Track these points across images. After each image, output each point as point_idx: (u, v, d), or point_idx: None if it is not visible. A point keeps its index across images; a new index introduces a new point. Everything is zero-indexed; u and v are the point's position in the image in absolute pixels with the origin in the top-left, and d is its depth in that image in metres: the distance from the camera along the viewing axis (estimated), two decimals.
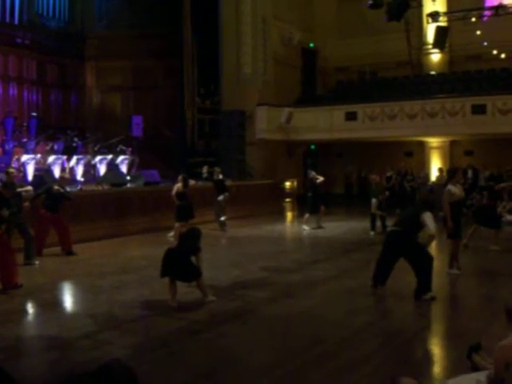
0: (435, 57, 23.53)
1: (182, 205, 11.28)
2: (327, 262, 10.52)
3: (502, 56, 22.07)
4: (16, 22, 19.14)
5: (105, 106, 22.13)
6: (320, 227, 14.81)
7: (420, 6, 21.99)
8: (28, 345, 5.99)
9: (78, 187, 14.12)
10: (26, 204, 10.14)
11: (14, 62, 19.38)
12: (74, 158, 15.58)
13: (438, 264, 8.57)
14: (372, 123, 20.81)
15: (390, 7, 18.95)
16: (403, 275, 7.87)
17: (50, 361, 5.36)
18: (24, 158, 14.33)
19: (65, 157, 15.26)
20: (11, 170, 10.25)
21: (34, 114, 18.29)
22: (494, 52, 22.09)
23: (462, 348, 5.02)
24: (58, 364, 5.21)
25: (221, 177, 14.86)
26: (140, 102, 21.55)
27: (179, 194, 12.08)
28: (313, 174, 15.08)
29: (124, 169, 17.01)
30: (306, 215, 14.89)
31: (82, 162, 15.78)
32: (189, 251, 7.16)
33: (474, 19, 21.10)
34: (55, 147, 16.04)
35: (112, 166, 16.52)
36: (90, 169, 16.08)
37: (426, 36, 23.22)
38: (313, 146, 24.72)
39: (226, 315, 6.85)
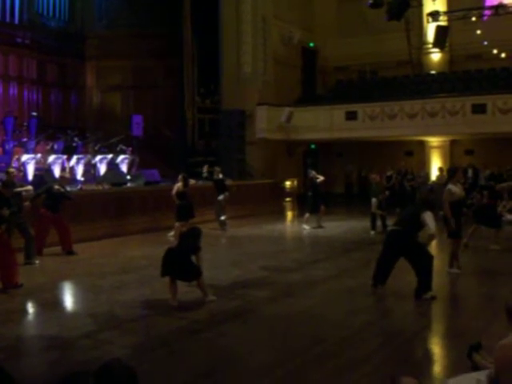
0: (435, 56, 23.52)
1: (182, 204, 11.29)
2: (327, 261, 10.52)
3: (502, 55, 22.07)
4: (16, 21, 19.13)
5: (105, 105, 22.13)
6: (320, 227, 14.81)
7: (420, 5, 22.01)
8: (28, 344, 5.99)
9: (79, 187, 14.12)
10: (27, 203, 10.14)
11: (14, 62, 19.37)
12: (74, 158, 15.58)
13: (439, 263, 8.57)
14: (372, 123, 20.81)
15: (390, 6, 18.97)
16: (403, 274, 7.87)
17: (51, 360, 5.36)
18: (24, 157, 14.33)
19: (65, 156, 15.25)
20: (11, 169, 10.25)
21: (35, 113, 18.28)
22: (494, 51, 22.10)
23: (463, 347, 5.02)
24: (58, 364, 5.22)
25: (221, 176, 14.86)
26: (140, 101, 21.54)
27: (179, 194, 12.09)
28: (313, 173, 15.08)
29: (124, 168, 17.01)
30: (307, 215, 14.89)
31: (83, 161, 15.77)
32: (189, 251, 7.16)
33: (474, 18, 21.12)
34: (55, 147, 16.04)
35: (112, 166, 16.52)
36: (90, 168, 16.08)
37: (426, 35, 23.22)
38: (313, 146, 24.72)
39: (227, 315, 6.85)
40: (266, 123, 21.37)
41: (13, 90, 19.31)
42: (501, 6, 20.34)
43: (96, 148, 17.21)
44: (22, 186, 10.41)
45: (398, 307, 7.42)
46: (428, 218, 7.33)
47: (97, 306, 7.20)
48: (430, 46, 22.34)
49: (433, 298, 7.38)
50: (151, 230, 13.82)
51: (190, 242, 7.19)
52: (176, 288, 7.12)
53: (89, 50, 21.76)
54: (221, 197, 14.53)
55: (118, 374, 2.31)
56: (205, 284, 7.30)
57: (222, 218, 14.54)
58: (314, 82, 25.82)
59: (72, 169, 15.40)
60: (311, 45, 25.31)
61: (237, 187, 16.73)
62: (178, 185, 12.34)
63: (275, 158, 21.96)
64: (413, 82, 22.71)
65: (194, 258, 7.23)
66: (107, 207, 13.44)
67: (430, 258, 7.52)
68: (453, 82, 22.14)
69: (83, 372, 2.31)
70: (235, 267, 9.69)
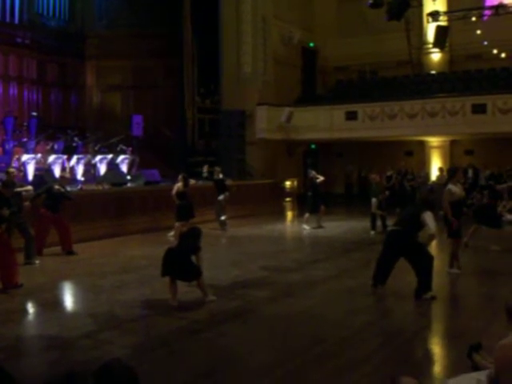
0: (435, 56, 23.52)
1: (182, 204, 11.27)
2: (327, 261, 10.52)
3: (503, 55, 22.08)
4: (16, 21, 19.13)
5: (105, 105, 22.13)
6: (320, 227, 14.81)
7: (420, 5, 22.01)
8: (28, 344, 5.99)
9: (79, 187, 14.12)
10: (27, 203, 10.14)
11: (14, 62, 19.37)
12: (75, 158, 15.58)
13: (439, 263, 8.57)
14: (372, 123, 20.81)
15: (390, 6, 18.96)
16: (403, 275, 7.87)
17: (51, 360, 5.36)
18: (24, 157, 14.33)
19: (65, 156, 15.26)
20: (11, 169, 10.26)
21: (35, 113, 18.28)
22: (495, 51, 22.10)
23: (463, 347, 5.02)
24: (58, 364, 5.21)
25: (221, 176, 14.87)
26: (140, 101, 21.55)
27: (179, 194, 12.08)
28: (313, 173, 15.08)
29: (124, 168, 17.01)
30: (306, 215, 14.89)
31: (83, 161, 15.78)
32: (189, 250, 7.16)
33: (474, 18, 21.12)
34: (55, 147, 16.04)
35: (112, 166, 16.52)
36: (90, 168, 16.08)
37: (426, 35, 23.22)
38: (313, 146, 24.72)
39: (226, 315, 6.85)
40: (265, 123, 21.38)
41: (13, 90, 19.31)
42: (501, 5, 20.34)
43: (96, 148, 17.21)
44: (22, 185, 10.41)
45: (398, 307, 7.42)
46: (428, 218, 7.33)
47: (97, 306, 7.20)
48: (430, 45, 22.34)
49: (433, 298, 7.38)
50: (151, 230, 13.83)
51: (190, 241, 7.19)
52: (176, 288, 7.12)
53: (89, 50, 21.76)
54: (221, 197, 14.53)
55: (118, 374, 2.32)
56: (205, 284, 7.30)
57: (222, 217, 14.55)
58: (313, 81, 25.83)
59: (72, 169, 15.40)
60: (311, 45, 25.31)
61: (237, 187, 16.73)
62: (178, 185, 12.34)
63: (275, 158, 21.96)
64: (413, 82, 22.71)
65: (194, 257, 7.23)
66: (107, 207, 13.44)
67: (430, 258, 7.52)
68: (453, 82, 22.14)
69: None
70: (235, 267, 9.69)
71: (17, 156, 14.49)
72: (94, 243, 12.18)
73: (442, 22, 21.40)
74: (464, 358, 4.80)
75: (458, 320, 6.88)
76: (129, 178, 16.26)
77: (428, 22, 22.05)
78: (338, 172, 24.53)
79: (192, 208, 10.35)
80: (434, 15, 21.48)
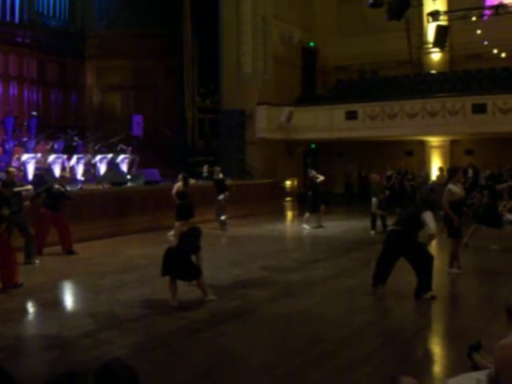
0: (435, 56, 23.53)
1: (182, 204, 11.30)
2: (327, 261, 10.52)
3: (503, 55, 22.07)
4: (16, 20, 19.12)
5: (105, 105, 22.13)
6: (320, 226, 14.81)
7: (420, 5, 21.99)
8: (28, 344, 5.99)
9: (79, 186, 14.12)
10: (27, 203, 10.14)
11: (14, 61, 19.36)
12: (75, 157, 15.58)
13: (439, 263, 8.57)
14: (372, 122, 20.81)
15: (390, 6, 18.94)
16: (403, 274, 7.87)
17: (51, 360, 5.37)
18: (24, 157, 14.33)
19: (65, 156, 15.25)
20: (11, 169, 10.26)
21: (35, 113, 18.27)
22: (495, 51, 22.10)
23: (463, 347, 5.02)
24: (58, 363, 5.21)
25: (221, 176, 14.87)
26: (140, 101, 21.54)
27: (179, 193, 12.08)
28: (313, 173, 15.07)
29: (124, 168, 17.01)
30: (307, 214, 14.89)
31: (83, 161, 15.77)
32: (189, 250, 7.16)
33: (474, 18, 21.11)
34: (55, 146, 16.04)
35: (112, 165, 16.51)
36: (90, 168, 16.08)
37: (426, 35, 23.22)
38: (313, 145, 24.72)
39: (227, 314, 6.85)
40: (266, 123, 21.38)
41: (13, 90, 19.31)
42: (501, 5, 20.33)
43: (96, 148, 17.20)
44: (22, 185, 10.41)
45: (398, 307, 7.42)
46: (428, 217, 7.33)
47: (97, 306, 7.20)
48: (431, 45, 22.33)
49: (433, 297, 7.38)
50: (151, 230, 13.83)
51: (190, 241, 7.20)
52: (176, 287, 7.12)
53: (89, 50, 21.75)
54: (221, 196, 14.53)
55: (118, 374, 2.32)
56: (205, 284, 7.30)
57: (222, 217, 14.54)
58: (314, 81, 25.82)
59: (72, 168, 15.40)
60: (311, 44, 25.30)
61: (237, 187, 16.73)
62: (178, 184, 12.33)
63: (275, 158, 21.96)
64: (413, 82, 22.71)
65: (194, 257, 7.23)
66: (107, 207, 13.44)
67: (430, 257, 7.52)
68: (453, 81, 22.14)
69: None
70: (235, 267, 9.69)
71: (17, 155, 14.48)
72: (94, 243, 12.18)
73: (442, 21, 21.39)
74: (464, 357, 4.80)
75: (458, 320, 6.88)
76: (129, 177, 16.25)
77: (428, 21, 22.04)
78: (338, 172, 24.53)
79: (192, 208, 10.39)
80: (434, 15, 21.47)
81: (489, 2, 21.51)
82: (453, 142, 22.51)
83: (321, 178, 14.99)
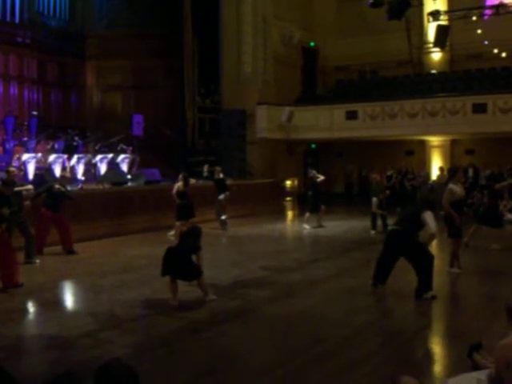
0: (436, 56, 23.52)
1: (182, 204, 11.30)
2: (328, 260, 10.52)
3: (503, 55, 22.07)
4: (17, 20, 19.11)
5: (105, 105, 22.13)
6: (320, 226, 14.81)
7: (421, 4, 21.99)
8: (28, 344, 5.99)
9: (79, 186, 14.12)
10: (27, 203, 10.13)
11: (14, 61, 19.36)
12: (75, 157, 15.58)
13: (439, 263, 8.57)
14: (372, 122, 20.81)
15: (390, 6, 18.94)
16: (404, 274, 7.87)
17: (51, 360, 5.36)
18: (25, 156, 14.33)
19: (65, 156, 15.25)
20: (12, 168, 10.25)
21: (35, 112, 18.26)
22: (495, 51, 22.09)
23: (463, 347, 5.01)
24: (58, 363, 5.21)
25: (221, 176, 14.86)
26: (140, 101, 21.53)
27: (180, 193, 12.08)
28: (313, 172, 15.07)
29: (125, 168, 17.01)
30: (307, 214, 14.89)
31: (83, 160, 15.77)
32: (189, 250, 7.16)
33: (474, 18, 21.10)
34: (56, 146, 16.04)
35: (113, 165, 16.51)
36: (90, 168, 16.08)
37: (426, 35, 23.21)
38: (313, 145, 24.72)
39: (227, 314, 6.85)
40: (266, 123, 21.38)
41: (13, 90, 19.31)
42: (501, 5, 20.33)
43: (96, 147, 17.20)
44: (22, 185, 10.41)
45: (398, 307, 7.42)
46: (428, 217, 7.33)
47: (97, 306, 7.20)
48: (431, 45, 22.32)
49: (433, 297, 7.38)
50: (152, 230, 13.83)
51: (191, 241, 7.19)
52: (176, 287, 7.12)
53: (89, 50, 21.75)
54: (221, 196, 14.53)
55: (118, 374, 2.31)
56: (205, 283, 7.30)
57: (223, 217, 14.55)
58: (314, 81, 25.82)
59: (72, 168, 15.39)
60: (311, 44, 25.29)
61: (237, 187, 16.73)
62: (179, 184, 12.33)
63: (275, 158, 21.96)
64: (413, 82, 22.70)
65: (194, 257, 7.23)
66: (108, 206, 13.44)
67: (430, 257, 7.52)
68: (453, 81, 22.14)
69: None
70: (235, 267, 9.69)
71: (17, 155, 14.48)
72: (95, 243, 12.18)
73: (443, 21, 21.39)
74: (464, 357, 4.80)
75: (459, 319, 6.88)
76: (129, 177, 16.25)
77: (428, 21, 22.04)
78: (339, 171, 24.53)
79: (192, 207, 10.38)
80: (435, 15, 21.47)
81: (489, 1, 21.51)
82: (453, 142, 22.51)
83: (321, 177, 14.99)
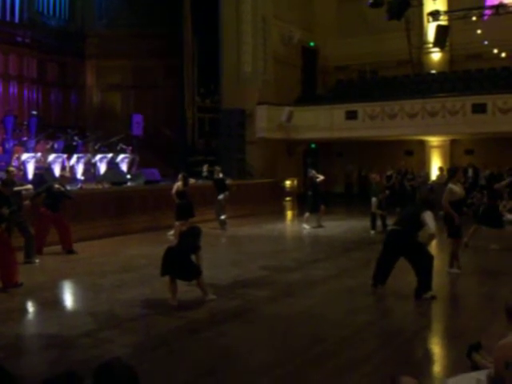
0: (436, 56, 23.52)
1: (182, 203, 11.29)
2: (327, 261, 10.52)
3: (503, 55, 22.07)
4: (16, 20, 19.10)
5: (105, 104, 22.12)
6: (320, 226, 14.81)
7: (420, 4, 21.98)
8: (28, 343, 6.00)
9: (79, 186, 14.12)
10: (27, 202, 10.14)
11: (14, 61, 19.35)
12: (75, 157, 15.58)
13: (439, 263, 8.57)
14: (372, 122, 20.82)
15: (390, 6, 18.94)
16: (403, 274, 7.87)
17: (50, 359, 5.37)
18: (24, 156, 14.33)
19: (65, 155, 15.25)
20: (11, 168, 10.26)
21: (35, 112, 18.27)
22: (495, 51, 22.10)
23: (462, 347, 5.01)
24: (58, 362, 5.22)
25: (221, 176, 14.87)
26: (140, 101, 21.54)
27: (179, 193, 12.09)
28: (313, 172, 15.07)
29: (124, 167, 17.01)
30: (306, 214, 14.89)
31: (83, 160, 15.78)
32: (189, 250, 7.16)
33: (474, 18, 21.11)
34: (55, 146, 16.04)
35: (112, 165, 16.52)
36: (90, 167, 16.08)
37: (426, 35, 23.21)
38: (313, 145, 24.72)
39: (226, 314, 6.85)
40: (266, 122, 21.38)
41: (13, 89, 19.30)
42: (501, 5, 20.33)
43: (96, 147, 17.21)
44: (21, 184, 10.42)
45: (398, 307, 7.42)
46: (428, 217, 7.33)
47: (97, 305, 7.20)
48: (431, 45, 22.33)
49: (433, 297, 7.38)
50: (151, 229, 13.83)
51: (190, 241, 7.19)
52: (176, 287, 7.12)
53: (89, 49, 21.75)
54: (221, 196, 14.53)
55: (118, 373, 2.32)
56: (205, 283, 7.30)
57: (222, 217, 14.55)
58: (314, 81, 25.82)
59: (72, 168, 15.40)
60: (311, 44, 25.29)
61: (237, 187, 16.72)
62: (178, 184, 12.34)
63: (275, 158, 21.96)
64: (413, 82, 22.70)
65: (193, 257, 7.23)
66: (107, 206, 13.44)
67: (430, 257, 7.52)
68: (453, 81, 22.14)
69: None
70: (235, 266, 9.69)
71: (17, 155, 14.48)
72: (94, 242, 12.18)
73: (443, 21, 21.39)
74: (464, 357, 4.80)
75: (458, 320, 6.88)
76: (129, 177, 16.25)
77: (428, 21, 22.04)
78: (338, 171, 24.53)
79: (192, 207, 10.35)
80: (435, 15, 21.47)
81: (489, 1, 21.51)
82: (453, 142, 22.51)
83: (321, 177, 14.99)
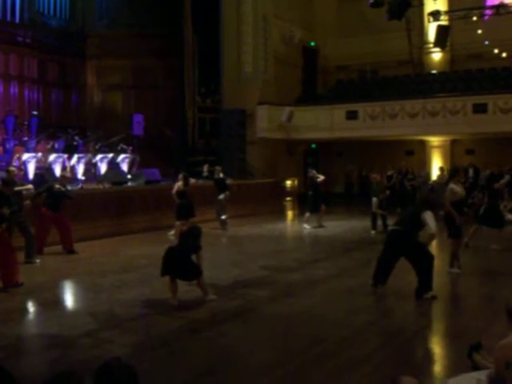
0: (436, 56, 23.52)
1: (182, 203, 11.29)
2: (328, 260, 10.52)
3: (503, 55, 22.07)
4: (17, 20, 19.11)
5: (105, 104, 22.13)
6: (321, 226, 14.81)
7: (421, 4, 21.97)
8: (29, 343, 6.00)
9: (79, 186, 14.12)
10: (27, 202, 10.14)
11: (15, 61, 19.37)
12: (75, 157, 15.59)
13: (439, 263, 8.57)
14: (373, 122, 20.81)
15: (390, 6, 18.93)
16: (404, 274, 7.87)
17: (51, 359, 5.37)
18: (25, 156, 14.34)
19: (66, 155, 15.26)
20: (12, 168, 10.25)
21: (35, 112, 18.27)
22: (495, 51, 22.09)
23: (463, 347, 5.01)
24: (58, 362, 5.22)
25: (221, 175, 14.86)
26: (141, 100, 21.55)
27: (180, 193, 12.08)
28: (313, 172, 15.07)
29: (125, 167, 17.02)
30: (307, 214, 14.89)
31: (83, 160, 15.78)
32: (189, 250, 7.16)
33: (475, 18, 21.10)
34: (56, 146, 16.04)
35: (113, 165, 16.52)
36: (90, 167, 16.09)
37: (427, 35, 23.21)
38: (313, 145, 24.72)
39: (227, 314, 6.85)
40: (266, 122, 21.37)
41: (13, 89, 19.31)
42: (502, 5, 20.32)
43: (97, 147, 17.21)
44: (22, 184, 10.41)
45: (398, 307, 7.42)
46: (428, 217, 7.33)
47: (97, 305, 7.21)
48: (431, 45, 22.33)
49: (433, 297, 7.38)
50: (152, 229, 13.83)
51: (191, 241, 7.19)
52: (176, 287, 7.12)
53: (89, 49, 21.76)
54: (221, 196, 14.53)
55: (118, 373, 2.32)
56: (205, 283, 7.30)
57: (223, 217, 14.55)
58: (314, 81, 25.81)
59: (73, 168, 15.40)
60: (312, 44, 25.28)
61: (237, 187, 16.73)
62: (179, 184, 12.34)
63: (276, 158, 21.96)
64: (414, 82, 22.69)
65: (194, 257, 7.23)
66: (108, 206, 13.44)
67: (430, 257, 7.52)
68: (454, 81, 22.13)
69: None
70: (235, 266, 9.69)
71: (17, 155, 14.49)
72: (95, 242, 12.18)
73: (443, 21, 21.38)
74: (464, 357, 4.79)
75: (459, 320, 6.88)
76: (129, 177, 16.26)
77: (429, 21, 22.04)
78: (339, 171, 24.52)
79: (192, 207, 10.37)
80: (435, 15, 21.46)
81: (489, 1, 21.50)
82: (453, 142, 22.51)
83: (321, 177, 14.99)
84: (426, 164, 22.19)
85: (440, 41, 20.77)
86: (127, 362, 2.38)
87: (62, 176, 11.81)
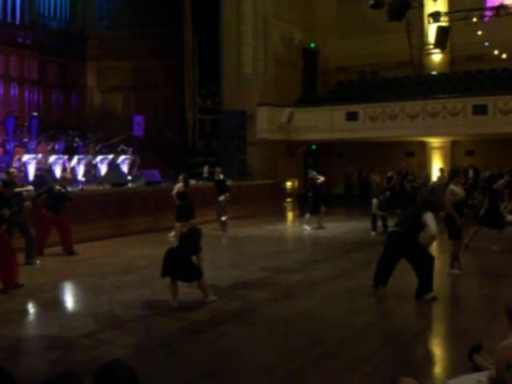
0: (436, 57, 23.53)
1: (182, 205, 11.28)
2: (328, 262, 10.52)
3: (503, 56, 22.08)
4: (17, 21, 19.13)
5: (106, 105, 22.15)
6: (321, 227, 14.81)
7: (421, 6, 21.99)
8: (29, 344, 5.99)
9: (79, 187, 14.12)
10: (27, 204, 10.14)
11: (15, 62, 19.38)
12: (75, 158, 15.59)
13: (439, 264, 8.57)
14: (373, 123, 20.81)
15: (390, 7, 18.93)
16: (404, 275, 7.86)
17: (51, 360, 5.37)
18: (25, 157, 14.34)
19: (66, 157, 15.26)
20: (12, 169, 10.26)
21: (35, 113, 18.28)
22: (495, 52, 22.11)
23: (463, 348, 5.01)
24: (58, 363, 5.21)
25: (222, 177, 14.86)
26: (141, 102, 21.56)
27: (180, 194, 12.08)
28: (313, 173, 15.08)
29: (125, 169, 17.02)
30: (307, 215, 14.89)
31: (83, 161, 15.78)
32: (190, 251, 7.16)
33: (475, 19, 21.11)
34: (56, 147, 16.05)
35: (113, 166, 16.53)
36: (91, 169, 16.09)
37: (427, 36, 23.23)
38: (313, 146, 24.72)
39: (227, 315, 6.85)
40: (266, 124, 21.37)
41: (14, 91, 19.33)
42: (502, 6, 20.33)
43: (97, 148, 17.22)
44: (22, 186, 10.41)
45: (398, 308, 7.42)
46: (429, 218, 7.33)
47: (97, 306, 7.20)
48: (431, 46, 22.33)
49: (433, 298, 7.38)
50: (152, 231, 13.83)
51: (191, 242, 7.19)
52: (177, 288, 7.12)
53: (89, 51, 21.78)
54: (221, 197, 14.53)
55: (118, 374, 2.32)
56: (205, 284, 7.30)
57: (223, 218, 14.55)
58: (314, 82, 25.81)
59: (73, 169, 15.40)
60: (312, 45, 25.29)
61: (237, 188, 16.73)
62: (179, 185, 12.33)
63: (276, 159, 21.96)
64: (414, 83, 22.71)
65: (194, 258, 7.23)
66: (108, 207, 13.44)
67: (430, 258, 7.52)
68: (454, 82, 22.14)
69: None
70: (236, 268, 9.69)
71: (17, 156, 14.50)
72: (95, 243, 12.19)
73: (443, 22, 21.39)
74: (465, 358, 4.80)
75: (459, 321, 6.87)
76: (129, 178, 16.26)
77: (429, 22, 22.06)
78: (339, 172, 24.52)
79: (192, 208, 10.36)
80: (435, 16, 21.47)
81: (490, 2, 21.52)
82: (453, 143, 22.51)
83: (321, 178, 14.99)
84: (426, 165, 22.19)
85: (440, 42, 20.78)
86: (127, 364, 2.38)
87: (63, 177, 11.81)
